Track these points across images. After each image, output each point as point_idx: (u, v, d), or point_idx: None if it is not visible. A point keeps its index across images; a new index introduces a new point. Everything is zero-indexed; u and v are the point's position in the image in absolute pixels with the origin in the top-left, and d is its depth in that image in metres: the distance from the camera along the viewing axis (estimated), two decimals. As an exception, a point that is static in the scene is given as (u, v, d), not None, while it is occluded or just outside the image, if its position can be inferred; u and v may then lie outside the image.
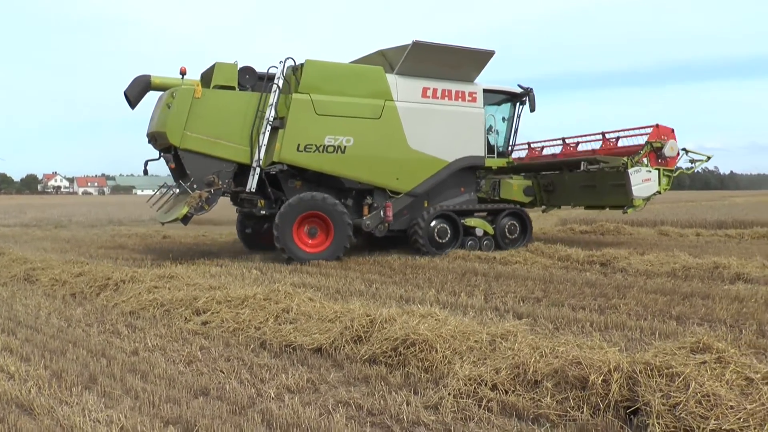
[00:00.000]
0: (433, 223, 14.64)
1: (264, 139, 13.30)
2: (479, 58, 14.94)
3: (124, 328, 7.50)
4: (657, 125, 15.30)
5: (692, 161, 16.18)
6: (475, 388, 4.92)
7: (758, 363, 4.86)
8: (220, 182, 13.11)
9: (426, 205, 14.90)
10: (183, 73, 13.43)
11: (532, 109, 15.94)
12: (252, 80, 13.78)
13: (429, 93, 14.68)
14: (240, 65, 13.73)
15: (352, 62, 15.47)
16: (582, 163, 15.65)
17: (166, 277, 9.89)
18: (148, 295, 8.88)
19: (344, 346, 6.22)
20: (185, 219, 12.95)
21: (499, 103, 16.19)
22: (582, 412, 4.44)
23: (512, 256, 13.27)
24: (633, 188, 14.71)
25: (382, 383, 5.31)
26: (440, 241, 14.61)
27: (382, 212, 14.34)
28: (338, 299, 8.79)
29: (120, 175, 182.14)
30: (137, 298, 8.90)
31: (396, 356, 5.80)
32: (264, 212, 13.83)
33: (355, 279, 10.94)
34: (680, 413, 4.12)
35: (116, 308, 8.70)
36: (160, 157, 14.21)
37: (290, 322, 7.12)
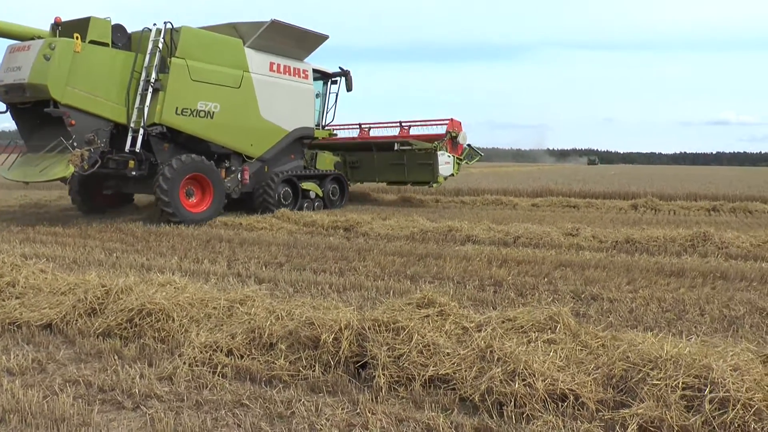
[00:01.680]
0: (279, 187, 16.11)
1: (145, 100, 13.36)
2: (316, 40, 16.74)
3: None
4: (451, 119, 18.91)
5: (471, 156, 20.04)
6: (210, 355, 4.86)
7: (475, 314, 5.34)
8: (99, 141, 12.77)
9: (266, 170, 16.18)
10: (58, 23, 13.09)
11: (349, 89, 18.26)
12: (123, 39, 13.71)
13: (275, 68, 16.07)
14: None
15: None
16: (395, 144, 18.60)
17: None
18: None
19: (77, 321, 5.79)
20: (66, 179, 13.12)
21: (318, 81, 18.11)
22: (314, 371, 4.58)
23: (258, 222, 13.31)
24: (439, 167, 18.04)
25: (116, 357, 5.05)
26: (285, 202, 16.19)
27: (239, 175, 15.42)
28: (74, 270, 8.24)
29: None
30: None
31: (132, 328, 5.54)
32: (134, 173, 13.54)
33: (95, 248, 10.31)
34: (404, 363, 4.43)
35: None
36: (7, 111, 13.58)
37: (16, 297, 6.48)
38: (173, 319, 5.52)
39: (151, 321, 5.52)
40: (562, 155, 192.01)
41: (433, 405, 4.13)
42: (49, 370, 4.89)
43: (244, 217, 14.13)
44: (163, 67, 13.64)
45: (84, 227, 12.71)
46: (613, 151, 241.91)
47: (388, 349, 4.54)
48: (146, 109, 13.33)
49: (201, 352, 4.88)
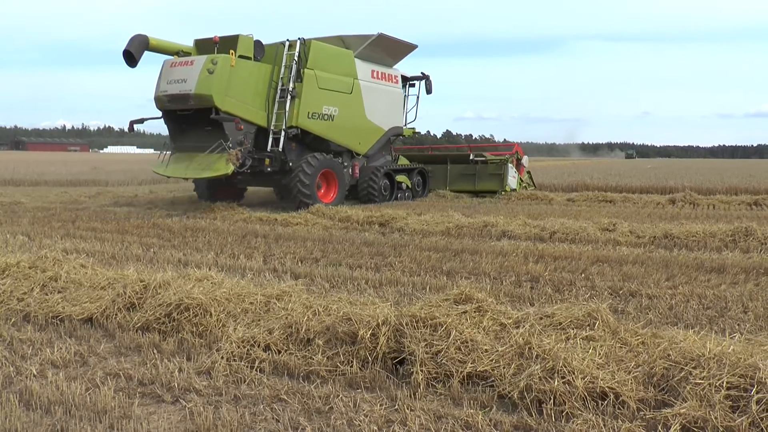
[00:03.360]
0: (381, 180, 18.39)
1: (284, 106, 15.60)
2: (407, 49, 19.05)
3: None
4: (516, 144, 22.67)
5: (528, 183, 22.94)
6: (248, 350, 4.90)
7: (512, 310, 5.29)
8: (247, 142, 14.99)
9: (365, 165, 18.56)
10: (216, 42, 15.10)
11: (429, 92, 20.54)
12: (261, 52, 15.77)
13: (375, 74, 18.45)
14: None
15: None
16: (471, 154, 21.67)
17: None
18: None
19: (116, 315, 5.88)
20: (227, 176, 14.86)
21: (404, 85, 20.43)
22: (351, 366, 4.59)
23: (293, 218, 13.37)
24: (508, 178, 20.82)
25: (155, 351, 5.12)
26: (384, 193, 18.51)
27: (350, 170, 17.74)
28: (113, 265, 8.35)
29: None
30: None
31: (170, 322, 5.60)
32: (269, 170, 15.52)
33: (133, 243, 10.45)
34: (441, 359, 4.41)
35: None
36: (143, 121, 16.23)
37: (58, 291, 6.60)
38: (211, 314, 5.57)
39: (189, 316, 5.58)
40: (593, 149, 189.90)
41: (471, 402, 4.11)
42: (91, 363, 4.97)
43: (280, 213, 14.22)
44: (298, 77, 15.85)
45: (122, 223, 12.91)
46: (649, 144, 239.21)
47: (426, 345, 4.52)
48: (285, 114, 15.55)
49: (238, 347, 4.91)
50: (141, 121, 16.38)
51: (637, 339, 4.67)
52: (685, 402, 3.75)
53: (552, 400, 3.94)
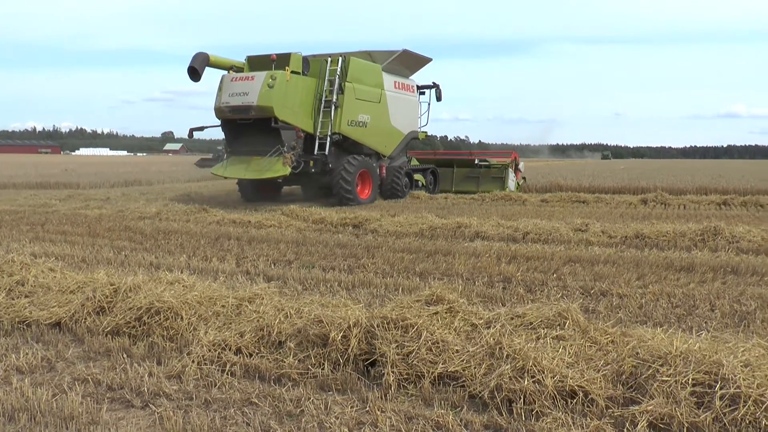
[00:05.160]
0: (403, 178, 20.42)
1: (329, 115, 17.60)
2: (423, 62, 21.32)
3: None
4: (514, 152, 25.16)
5: (523, 186, 24.53)
6: (219, 353, 4.88)
7: (484, 310, 5.33)
8: (299, 147, 17.02)
9: (389, 165, 20.36)
10: (273, 60, 17.05)
11: (439, 99, 22.59)
12: (307, 68, 17.68)
13: (397, 85, 20.63)
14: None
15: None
16: (476, 159, 24.06)
17: None
18: None
19: (86, 319, 5.81)
20: (285, 177, 16.77)
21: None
22: (323, 369, 4.59)
23: (267, 219, 13.32)
24: (508, 181, 22.98)
25: (125, 355, 5.08)
26: (405, 189, 20.43)
27: (378, 170, 19.52)
28: (83, 268, 8.25)
29: None
30: None
31: (140, 326, 5.55)
32: (313, 170, 17.34)
33: (104, 247, 10.34)
34: (412, 360, 4.43)
35: None
36: (203, 129, 18.32)
37: (26, 296, 6.51)
38: (182, 318, 5.54)
39: (160, 319, 5.54)
40: (563, 150, 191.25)
41: (442, 402, 4.13)
42: (58, 368, 4.91)
43: (253, 215, 14.16)
44: (340, 90, 17.81)
45: (93, 226, 12.77)
46: (622, 145, 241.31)
47: (397, 346, 4.54)
48: (330, 122, 17.54)
49: (210, 351, 4.89)
50: (201, 129, 18.42)
51: (607, 338, 4.72)
52: (652, 399, 3.80)
53: (522, 400, 3.97)
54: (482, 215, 14.27)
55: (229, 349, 4.92)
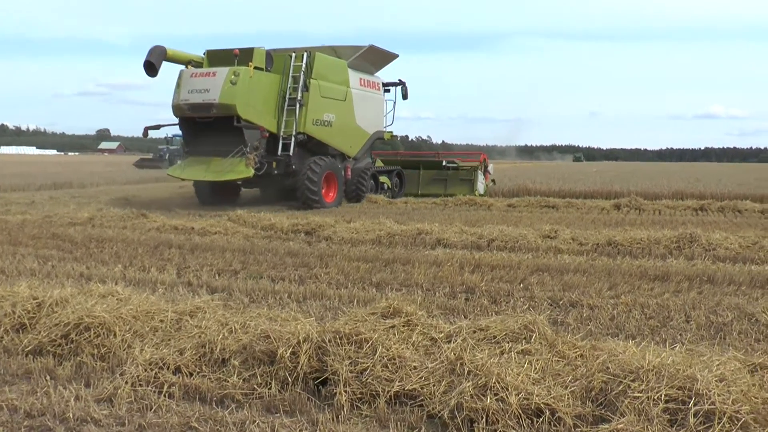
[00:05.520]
0: (369, 180, 21.08)
1: (293, 114, 18.05)
2: (389, 58, 22.05)
3: None
4: (483, 153, 25.53)
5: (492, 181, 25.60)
6: (156, 373, 4.79)
7: (444, 323, 5.35)
8: (261, 147, 17.32)
9: (353, 167, 20.95)
10: (236, 55, 17.36)
11: (405, 98, 23.24)
12: (270, 63, 18.16)
13: (363, 82, 21.22)
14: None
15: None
16: (443, 161, 24.86)
17: None
18: None
19: (2, 338, 5.63)
20: (248, 179, 17.34)
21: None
22: (270, 388, 4.54)
23: (212, 226, 13.19)
24: (477, 184, 23.59)
25: (48, 377, 4.93)
26: (370, 192, 20.94)
27: (343, 171, 20.03)
28: (2, 281, 8.07)
29: None
30: None
31: (67, 344, 5.41)
32: (276, 172, 17.82)
33: (27, 256, 10.12)
34: (367, 378, 4.42)
35: None
36: (160, 127, 18.97)
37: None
38: (115, 334, 5.43)
39: (90, 336, 5.41)
40: (530, 152, 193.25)
41: (398, 423, 4.12)
42: (-34, 395, 4.74)
43: (197, 221, 14.02)
44: (305, 87, 18.30)
45: (14, 233, 12.49)
46: (596, 147, 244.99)
47: (351, 363, 4.52)
48: (295, 121, 17.99)
49: (145, 370, 4.81)
50: (157, 127, 18.88)
51: (576, 352, 4.77)
52: (623, 417, 3.84)
53: (484, 419, 3.98)
54: (444, 221, 14.36)
55: (167, 368, 4.84)
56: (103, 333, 5.44)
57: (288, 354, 4.67)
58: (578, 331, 5.93)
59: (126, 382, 4.67)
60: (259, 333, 4.95)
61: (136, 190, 25.88)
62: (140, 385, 4.67)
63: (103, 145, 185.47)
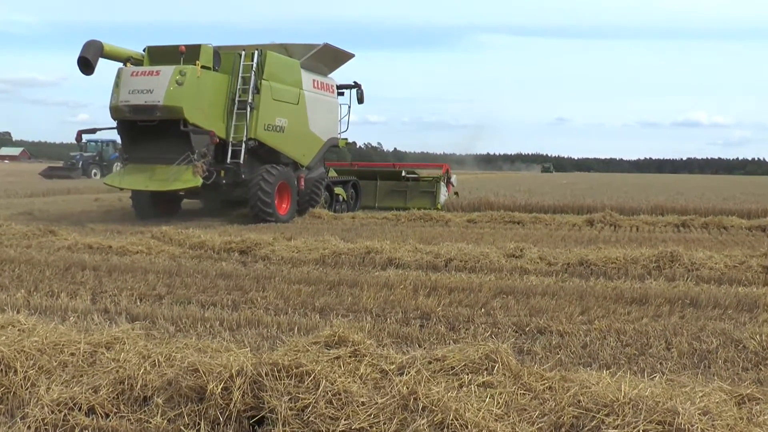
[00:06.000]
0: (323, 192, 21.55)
1: (243, 118, 18.39)
2: (344, 58, 22.69)
3: None
4: (445, 164, 27.10)
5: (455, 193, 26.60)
6: (65, 414, 4.70)
7: (396, 354, 5.36)
8: (210, 155, 17.65)
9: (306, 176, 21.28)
10: (182, 52, 17.49)
11: (360, 101, 23.89)
12: (218, 62, 18.40)
13: (316, 84, 21.66)
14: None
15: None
16: (402, 171, 25.64)
17: None
18: None
19: None
20: (197, 188, 17.56)
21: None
22: (198, 430, 4.50)
23: (133, 244, 13.05)
24: (440, 197, 24.72)
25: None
26: (325, 205, 21.54)
27: (296, 181, 20.27)
28: None
29: None
30: None
31: (-43, 385, 5.32)
32: (225, 181, 18.11)
33: None
34: (308, 417, 4.38)
35: None
36: (96, 131, 19.56)
37: None
38: (15, 371, 5.30)
39: (-14, 374, 5.31)
40: (488, 161, 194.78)
41: (345, 467, 4.11)
42: None
43: (116, 239, 13.85)
44: (255, 89, 18.58)
45: None
46: (566, 156, 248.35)
47: (290, 399, 4.49)
48: (246, 126, 18.32)
49: (53, 412, 4.71)
50: (93, 131, 19.42)
51: (544, 384, 4.81)
52: (597, 456, 3.88)
53: (442, 461, 3.99)
54: (396, 238, 14.40)
55: (79, 409, 4.76)
56: (2, 370, 5.30)
57: (219, 390, 4.62)
58: (546, 361, 6.00)
59: (28, 427, 4.58)
60: (186, 366, 4.89)
61: (43, 204, 25.46)
62: (46, 429, 4.59)
63: (3, 151, 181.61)
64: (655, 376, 5.00)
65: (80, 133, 19.10)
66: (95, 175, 51.75)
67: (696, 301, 8.64)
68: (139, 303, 8.61)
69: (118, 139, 21.13)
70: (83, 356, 5.61)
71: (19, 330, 5.99)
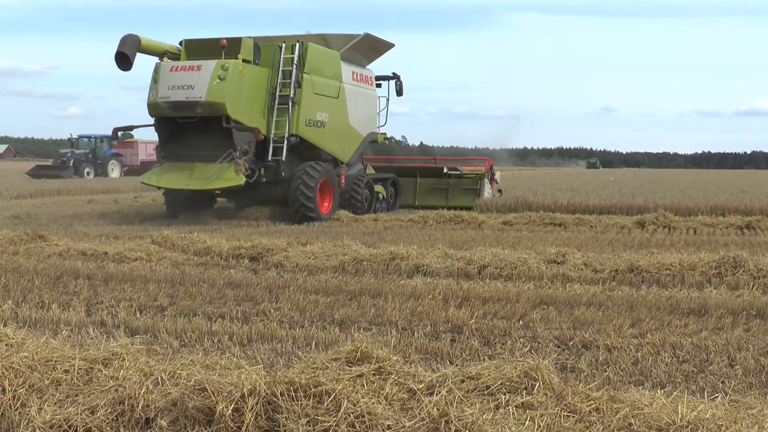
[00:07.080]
0: (364, 190, 22.46)
1: (285, 114, 19.34)
2: (385, 48, 23.64)
3: None
4: (489, 159, 28.14)
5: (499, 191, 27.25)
6: (60, 437, 4.78)
7: (425, 371, 5.37)
8: (251, 152, 18.56)
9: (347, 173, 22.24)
10: (223, 46, 18.41)
11: (399, 94, 24.84)
12: (258, 56, 19.34)
13: (356, 77, 22.58)
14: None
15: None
16: (444, 168, 26.36)
17: None
18: None
19: None
20: (239, 187, 18.48)
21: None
22: (206, 454, 4.55)
23: (131, 250, 13.14)
24: (483, 194, 25.27)
25: None
26: (365, 204, 22.47)
27: (337, 178, 21.23)
28: None
29: None
30: None
31: (-61, 404, 5.40)
32: (264, 179, 19.16)
33: None
34: (328, 441, 4.42)
35: None
36: (132, 128, 21.73)
37: None
38: (4, 390, 5.36)
39: (-30, 394, 5.38)
40: (522, 155, 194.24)
41: (369, 497, 4.14)
42: None
43: (112, 244, 13.94)
44: (296, 83, 19.52)
45: None
46: (612, 150, 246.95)
47: (308, 422, 4.52)
48: (288, 122, 19.34)
49: (46, 435, 4.78)
50: (130, 128, 21.13)
51: (590, 405, 4.80)
52: (651, 486, 3.88)
53: (477, 491, 4.01)
54: (424, 243, 14.40)
55: (75, 431, 4.82)
56: (-11, 388, 5.39)
57: (230, 411, 4.65)
58: (593, 379, 5.98)
59: (20, 451, 4.64)
60: (192, 385, 4.93)
61: (32, 206, 25.66)
62: (39, 453, 4.65)
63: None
64: (717, 397, 4.98)
65: (116, 130, 20.87)
66: (88, 174, 52.03)
67: (763, 313, 8.58)
68: (139, 315, 8.67)
69: (155, 137, 21.61)
70: (78, 373, 5.65)
71: (6, 345, 6.04)
